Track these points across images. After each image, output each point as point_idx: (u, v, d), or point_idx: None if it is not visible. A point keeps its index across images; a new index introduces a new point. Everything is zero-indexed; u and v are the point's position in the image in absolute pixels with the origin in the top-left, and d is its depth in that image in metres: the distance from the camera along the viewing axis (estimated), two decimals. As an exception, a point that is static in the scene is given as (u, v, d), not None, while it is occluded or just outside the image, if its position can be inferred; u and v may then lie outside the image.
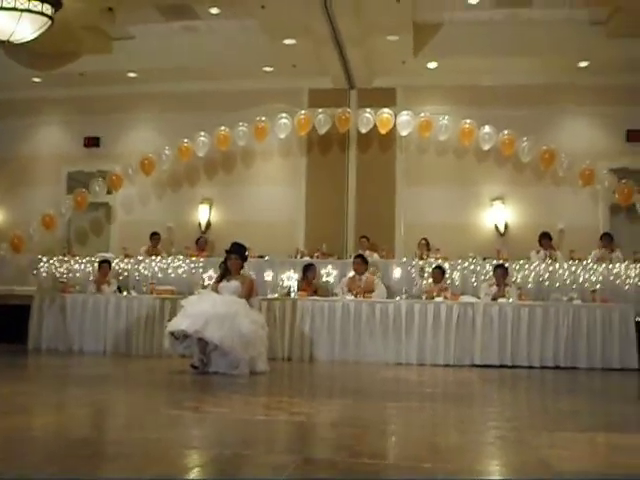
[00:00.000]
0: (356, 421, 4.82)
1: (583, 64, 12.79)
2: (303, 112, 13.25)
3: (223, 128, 13.30)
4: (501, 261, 11.24)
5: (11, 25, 10.81)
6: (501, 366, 9.64)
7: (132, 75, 13.84)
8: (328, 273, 11.53)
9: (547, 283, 11.32)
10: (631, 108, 13.09)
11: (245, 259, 8.57)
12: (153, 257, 11.90)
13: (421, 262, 11.60)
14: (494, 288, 10.59)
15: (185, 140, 13.43)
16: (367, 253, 12.12)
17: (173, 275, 11.53)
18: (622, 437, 4.37)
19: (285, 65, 13.09)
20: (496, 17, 12.17)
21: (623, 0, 10.99)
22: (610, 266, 11.43)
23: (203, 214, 13.95)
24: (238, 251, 8.44)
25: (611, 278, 11.34)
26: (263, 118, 13.24)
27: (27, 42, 11.17)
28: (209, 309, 7.68)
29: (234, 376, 7.44)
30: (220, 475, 3.13)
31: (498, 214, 13.31)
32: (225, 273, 8.38)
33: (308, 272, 11.11)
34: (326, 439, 4.19)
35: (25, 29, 11.01)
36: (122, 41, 13.19)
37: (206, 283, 10.80)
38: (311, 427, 4.54)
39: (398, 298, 10.44)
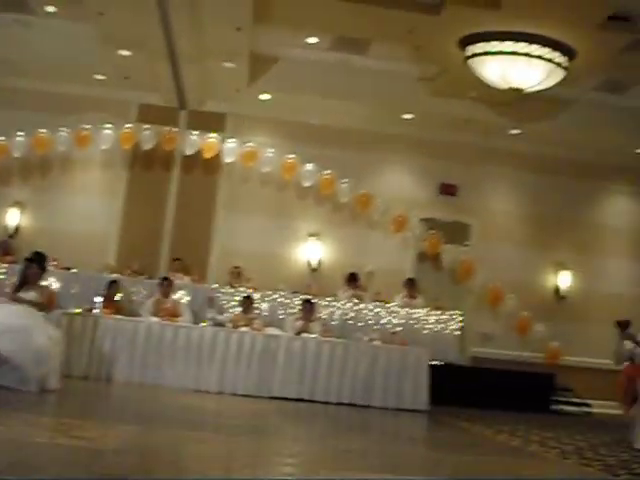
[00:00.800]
0: (142, 449, 4.71)
1: (407, 116, 13.42)
2: (129, 126, 12.97)
3: (43, 130, 12.75)
4: (309, 296, 11.45)
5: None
6: (298, 400, 9.76)
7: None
8: (136, 292, 11.27)
9: (351, 322, 11.70)
10: (445, 162, 13.88)
11: (44, 269, 8.24)
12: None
13: (232, 289, 11.63)
14: (300, 322, 10.76)
15: (1, 138, 12.74)
16: (179, 275, 11.98)
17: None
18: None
19: (117, 75, 12.70)
20: (331, 60, 12.47)
21: (450, 63, 11.64)
22: (412, 310, 12.01)
23: (12, 217, 13.24)
24: (38, 260, 8.10)
25: (411, 322, 11.92)
26: (87, 126, 12.81)
27: None
28: (3, 320, 7.32)
29: (22, 392, 7.06)
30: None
31: (312, 250, 13.59)
32: (23, 282, 8.00)
33: (111, 289, 10.77)
34: (103, 466, 3.99)
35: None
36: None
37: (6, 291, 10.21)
38: (90, 453, 4.32)
39: (202, 325, 10.34)
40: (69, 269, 11.39)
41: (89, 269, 11.71)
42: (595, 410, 12.71)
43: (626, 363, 10.45)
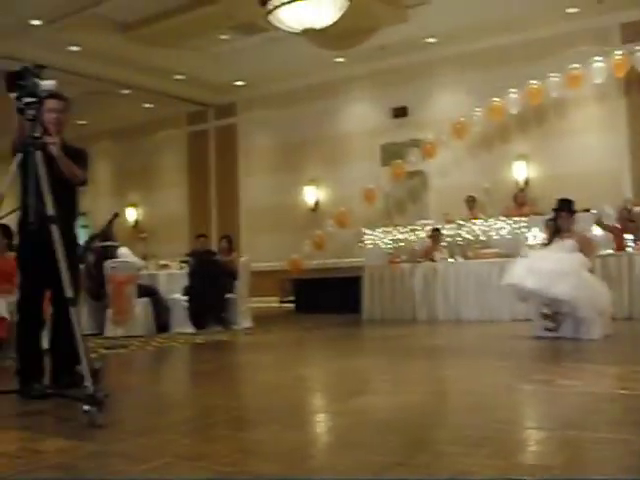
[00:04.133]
0: None
1: None
2: (620, 52, 12.21)
3: (534, 81, 12.70)
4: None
5: (312, 13, 11.27)
6: None
7: (431, 40, 13.75)
8: None
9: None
10: None
11: (573, 213, 8.02)
12: (473, 220, 11.70)
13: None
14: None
15: (495, 99, 13.03)
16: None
17: (496, 237, 11.25)
18: None
19: (589, 2, 12.17)
20: None
21: None
22: None
23: (519, 171, 13.56)
24: (567, 207, 7.93)
25: None
26: (576, 65, 12.41)
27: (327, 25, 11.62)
28: (554, 266, 7.31)
29: (583, 341, 7.02)
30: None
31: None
32: (556, 232, 7.92)
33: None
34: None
35: (327, 13, 11.42)
36: (417, 7, 13.08)
37: (531, 242, 10.41)
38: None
39: None
40: (588, 210, 11.14)
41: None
42: None
43: None
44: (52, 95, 4.91)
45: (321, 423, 4.03)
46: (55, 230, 4.20)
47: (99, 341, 8.93)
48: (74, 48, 13.36)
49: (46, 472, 3.03)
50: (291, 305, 14.44)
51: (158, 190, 18.28)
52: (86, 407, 3.78)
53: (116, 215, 9.00)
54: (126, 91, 16.00)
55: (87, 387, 3.87)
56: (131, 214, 18.54)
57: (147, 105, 17.31)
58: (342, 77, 15.12)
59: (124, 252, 10.40)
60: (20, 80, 4.21)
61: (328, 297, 13.25)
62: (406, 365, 6.20)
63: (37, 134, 4.35)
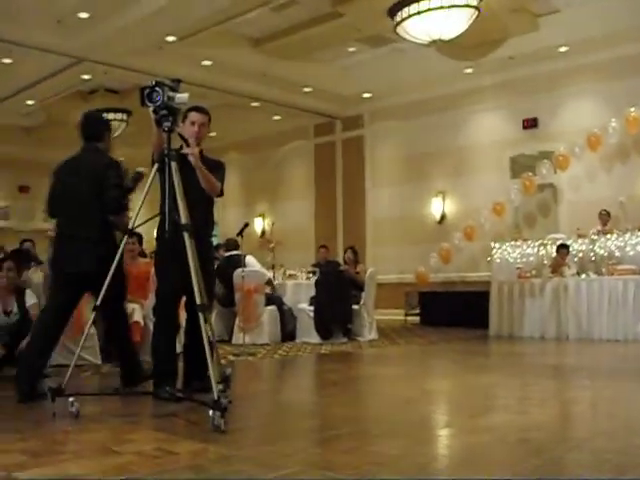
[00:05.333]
0: None
1: None
2: None
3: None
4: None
5: (440, 24, 11.18)
6: None
7: (562, 49, 13.34)
8: None
9: None
10: None
11: None
12: (607, 235, 11.24)
13: None
14: None
15: (632, 109, 12.51)
16: None
17: (632, 253, 10.75)
18: None
19: None
20: None
21: None
22: None
23: None
24: None
25: None
26: None
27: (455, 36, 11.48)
28: None
29: None
30: None
31: None
32: None
33: None
34: None
35: (455, 24, 11.30)
36: (547, 16, 12.72)
37: None
38: None
39: None
40: None
41: None
42: None
43: None
44: (194, 108, 5.08)
45: (451, 439, 3.95)
46: (188, 238, 4.32)
47: (227, 348, 9.11)
48: (206, 62, 13.77)
49: (180, 473, 3.10)
50: (416, 318, 14.32)
51: (285, 201, 18.57)
52: (210, 412, 3.86)
53: (246, 225, 9.16)
54: (255, 103, 16.33)
55: (213, 393, 3.95)
56: (259, 224, 18.90)
57: (275, 117, 17.62)
58: (470, 88, 14.92)
59: (251, 261, 10.59)
60: (153, 94, 4.37)
61: (454, 311, 13.06)
62: (536, 384, 6.01)
63: (173, 146, 4.50)
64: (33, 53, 12.82)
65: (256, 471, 3.10)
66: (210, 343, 4.81)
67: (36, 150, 19.23)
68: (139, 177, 5.26)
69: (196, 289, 4.27)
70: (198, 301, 4.27)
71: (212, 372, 4.07)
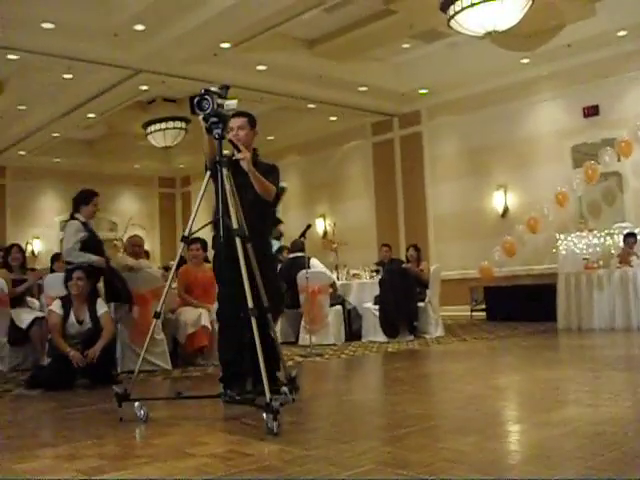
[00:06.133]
0: None
1: None
2: None
3: None
4: None
5: (494, 14, 11.04)
6: None
7: (621, 34, 13.04)
8: None
9: None
10: None
11: None
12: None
13: None
14: None
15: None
16: None
17: None
18: None
19: None
20: None
21: None
22: None
23: None
24: None
25: None
26: None
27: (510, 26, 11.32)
28: None
29: None
30: None
31: None
32: None
33: None
34: None
35: (509, 14, 11.15)
36: (603, 1, 12.45)
37: None
38: None
39: None
40: None
41: None
42: None
43: None
44: (233, 114, 5.11)
45: (522, 434, 3.92)
46: (240, 243, 4.37)
47: (294, 349, 9.18)
48: (261, 67, 13.86)
49: (256, 474, 3.15)
50: (482, 313, 14.18)
51: (346, 200, 18.57)
52: (264, 415, 3.90)
53: (309, 227, 9.21)
54: (312, 105, 16.37)
55: (264, 396, 3.99)
56: (320, 225, 18.95)
57: (332, 118, 17.64)
58: (528, 78, 14.70)
59: (315, 263, 10.65)
60: (202, 102, 4.44)
61: (520, 305, 12.90)
62: (608, 376, 5.91)
63: (224, 152, 4.58)
64: (92, 67, 13.11)
65: (330, 470, 3.12)
66: (273, 345, 4.87)
67: (98, 162, 19.67)
68: (282, 191, 5.36)
69: (248, 293, 4.29)
70: (250, 305, 4.30)
71: (264, 374, 4.08)
